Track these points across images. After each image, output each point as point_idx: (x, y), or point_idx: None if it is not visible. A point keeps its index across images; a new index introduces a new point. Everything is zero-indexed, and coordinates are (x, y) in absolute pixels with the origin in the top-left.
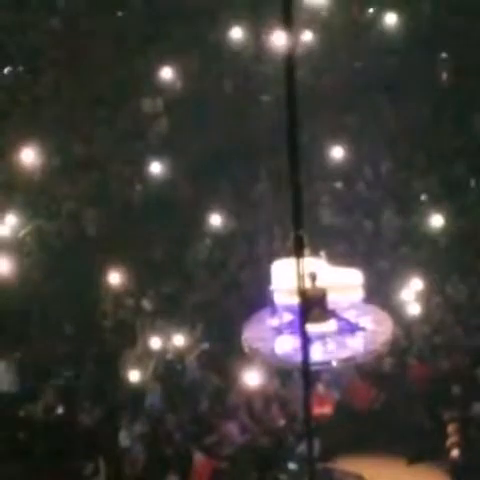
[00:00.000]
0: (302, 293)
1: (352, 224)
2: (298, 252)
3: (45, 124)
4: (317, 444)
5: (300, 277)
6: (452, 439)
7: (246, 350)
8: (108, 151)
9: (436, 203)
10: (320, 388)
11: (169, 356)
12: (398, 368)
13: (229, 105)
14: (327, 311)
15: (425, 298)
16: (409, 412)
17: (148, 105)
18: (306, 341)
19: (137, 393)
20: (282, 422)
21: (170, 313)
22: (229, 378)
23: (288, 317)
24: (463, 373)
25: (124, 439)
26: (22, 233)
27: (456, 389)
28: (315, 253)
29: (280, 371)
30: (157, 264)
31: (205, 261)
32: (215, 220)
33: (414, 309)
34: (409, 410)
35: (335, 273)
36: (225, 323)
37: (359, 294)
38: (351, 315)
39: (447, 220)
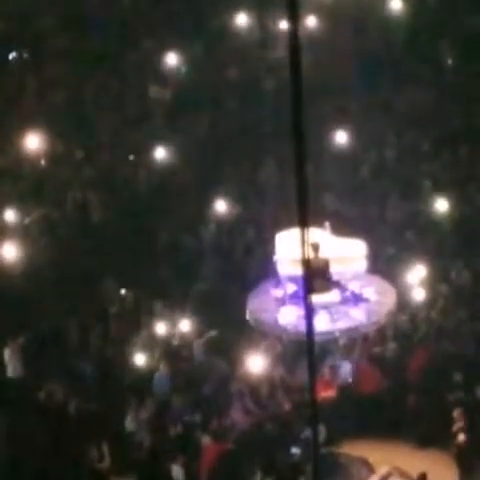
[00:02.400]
0: (306, 263)
1: (357, 209)
2: (302, 223)
3: (50, 110)
4: (322, 429)
5: (304, 247)
6: (458, 424)
7: (251, 321)
8: (113, 137)
9: (440, 188)
10: (325, 371)
11: (175, 342)
12: (403, 353)
13: (233, 90)
14: (330, 281)
15: (430, 283)
16: (414, 397)
17: (153, 91)
18: (310, 311)
19: (143, 378)
20: (287, 407)
21: (175, 299)
22: (235, 364)
23: (292, 288)
24: (468, 357)
25: (130, 424)
26: (28, 220)
27: (460, 373)
28: (320, 224)
29: (285, 357)
30: (162, 250)
31: (211, 246)
32: (220, 205)
33: (419, 294)
34: (414, 395)
35: (339, 244)
36: (230, 309)
37: (363, 265)
38: (355, 286)
39: (451, 205)
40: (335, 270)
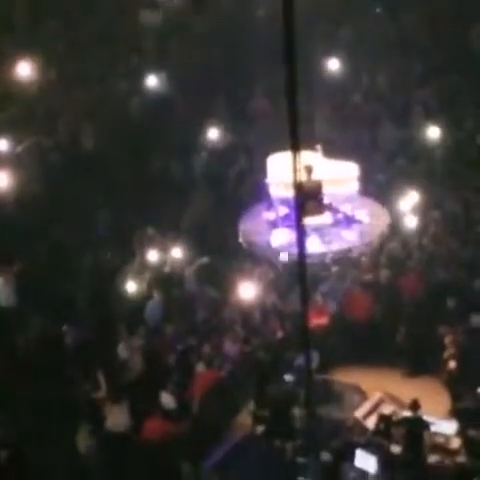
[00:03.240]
0: (298, 186)
1: (349, 136)
2: (294, 145)
3: (43, 38)
4: (315, 356)
5: (296, 170)
6: (449, 351)
7: (243, 244)
8: (105, 65)
9: (432, 115)
10: (317, 299)
11: (167, 269)
12: (395, 279)
13: (226, 20)
14: (323, 204)
15: (422, 210)
16: (406, 324)
17: (145, 18)
18: (302, 234)
19: (136, 306)
20: (280, 335)
21: (168, 226)
22: (227, 291)
23: (284, 210)
24: (460, 285)
25: (122, 351)
26: (20, 148)
27: (452, 301)
28: (311, 147)
29: (278, 284)
30: (155, 177)
31: (203, 174)
32: (212, 133)
33: (411, 221)
34: (406, 322)
35: (331, 166)
36: (223, 236)
37: (355, 187)
38: (347, 208)
39: (443, 132)
40: (327, 192)
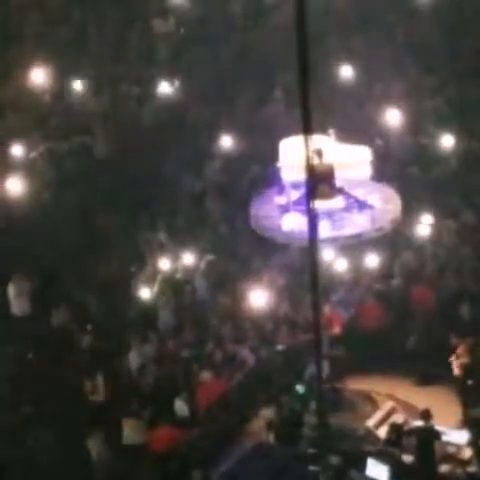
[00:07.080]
0: (310, 169)
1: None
2: (306, 129)
3: (56, 45)
4: (326, 365)
5: (308, 153)
6: (461, 360)
7: (254, 229)
8: (118, 71)
9: (446, 123)
10: (328, 308)
11: (178, 276)
12: (407, 288)
13: (239, 26)
14: (334, 187)
15: (435, 219)
16: (417, 333)
17: (158, 25)
18: (313, 217)
19: (148, 313)
20: (292, 343)
21: (180, 232)
22: (239, 299)
23: (295, 194)
24: (472, 294)
25: (134, 359)
26: (33, 154)
27: (465, 310)
28: (324, 131)
29: (290, 293)
30: (167, 184)
31: (215, 182)
32: (225, 141)
33: (424, 230)
34: (417, 331)
35: (343, 150)
36: (236, 243)
37: (367, 171)
38: (359, 193)
39: (457, 141)
40: (339, 176)
